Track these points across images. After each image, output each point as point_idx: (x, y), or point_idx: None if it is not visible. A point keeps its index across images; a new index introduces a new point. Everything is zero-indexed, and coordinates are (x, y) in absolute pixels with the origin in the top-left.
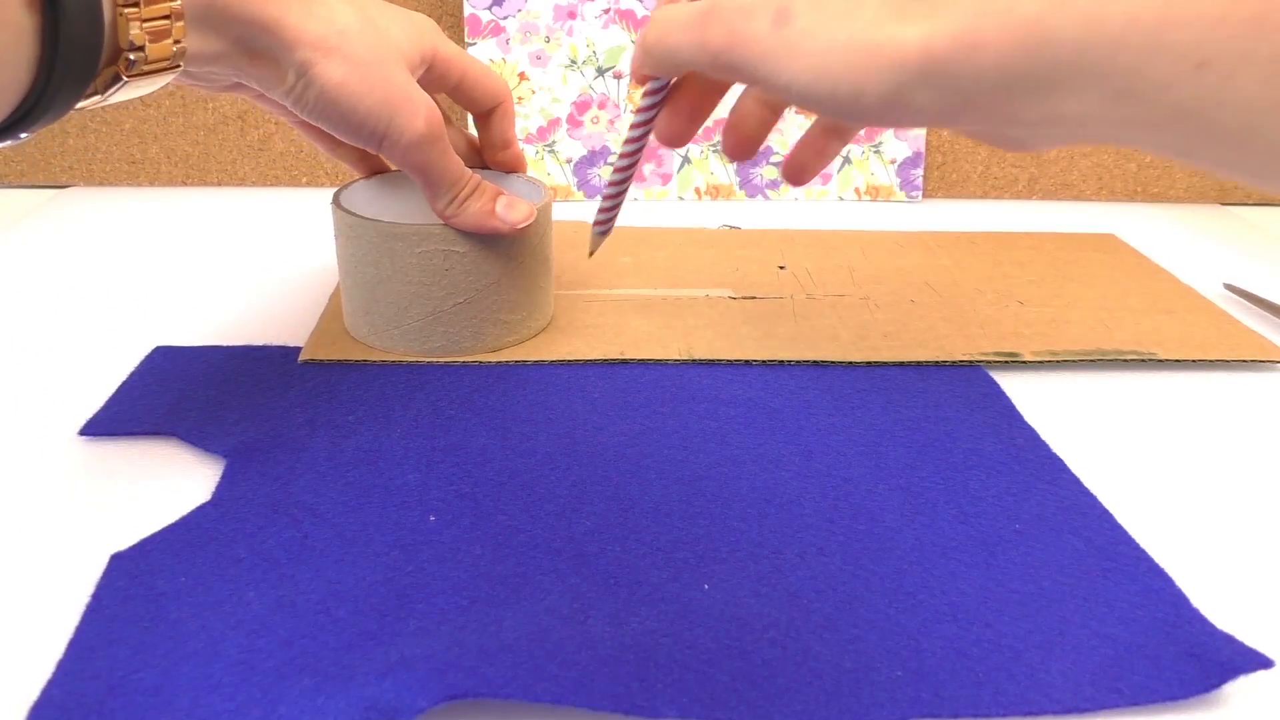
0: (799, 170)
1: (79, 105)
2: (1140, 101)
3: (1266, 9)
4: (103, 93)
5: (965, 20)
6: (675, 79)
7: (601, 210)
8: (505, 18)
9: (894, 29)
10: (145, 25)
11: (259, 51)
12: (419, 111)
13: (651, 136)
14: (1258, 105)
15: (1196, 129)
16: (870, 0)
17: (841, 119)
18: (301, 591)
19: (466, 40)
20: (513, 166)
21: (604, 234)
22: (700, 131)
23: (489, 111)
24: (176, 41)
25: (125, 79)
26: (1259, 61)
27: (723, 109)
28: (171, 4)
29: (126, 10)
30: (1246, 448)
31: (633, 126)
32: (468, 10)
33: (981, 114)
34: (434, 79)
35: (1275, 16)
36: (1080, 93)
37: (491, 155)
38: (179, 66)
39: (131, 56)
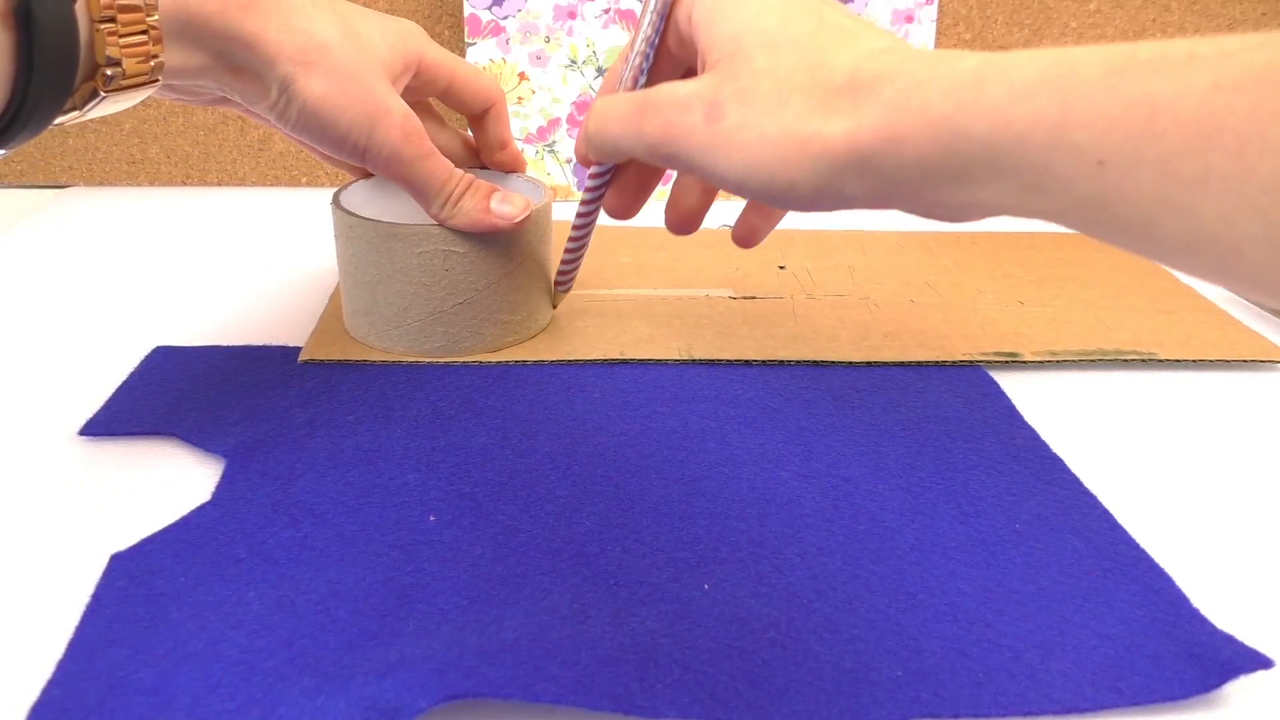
0: (749, 233)
1: (57, 121)
2: (1049, 194)
3: (1155, 112)
4: (81, 108)
5: (886, 115)
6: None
7: (561, 272)
8: (505, 18)
9: (821, 123)
10: (122, 41)
11: (240, 66)
12: (395, 122)
13: None
14: (1153, 201)
15: (1102, 220)
16: (795, 96)
17: (776, 206)
18: (301, 591)
19: (466, 40)
20: (511, 167)
21: (566, 290)
22: None
23: (482, 114)
24: (154, 56)
25: (103, 94)
26: (1151, 161)
27: None
28: (148, 19)
29: (103, 26)
30: (1246, 448)
31: (583, 202)
32: (468, 10)
33: (908, 199)
34: (422, 84)
35: (1163, 120)
36: (994, 184)
37: (489, 157)
38: (157, 81)
39: (109, 72)
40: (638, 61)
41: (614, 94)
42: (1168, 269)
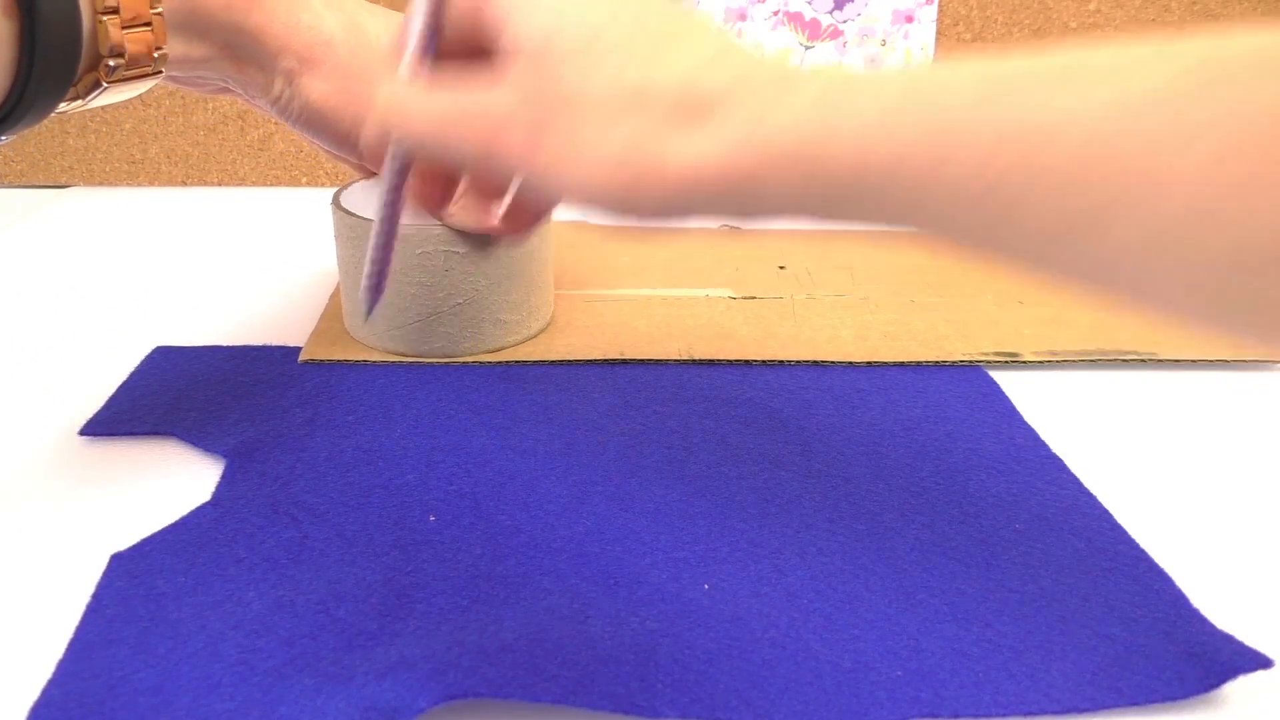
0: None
1: (60, 109)
2: (931, 222)
3: (1045, 140)
4: (84, 97)
5: (731, 150)
6: None
7: (369, 277)
8: None
9: (660, 147)
10: (126, 31)
11: (244, 59)
12: None
13: None
14: (1050, 234)
15: (998, 249)
16: (619, 121)
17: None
18: (301, 591)
19: None
20: None
21: (377, 299)
22: None
23: None
24: (158, 48)
25: (105, 84)
26: (1042, 192)
27: None
28: (152, 10)
29: (106, 17)
30: (1246, 448)
31: (387, 192)
32: None
33: (772, 219)
34: None
35: (1053, 148)
36: (866, 212)
37: None
38: (160, 72)
39: (111, 62)
40: (420, 43)
41: (405, 77)
42: None
